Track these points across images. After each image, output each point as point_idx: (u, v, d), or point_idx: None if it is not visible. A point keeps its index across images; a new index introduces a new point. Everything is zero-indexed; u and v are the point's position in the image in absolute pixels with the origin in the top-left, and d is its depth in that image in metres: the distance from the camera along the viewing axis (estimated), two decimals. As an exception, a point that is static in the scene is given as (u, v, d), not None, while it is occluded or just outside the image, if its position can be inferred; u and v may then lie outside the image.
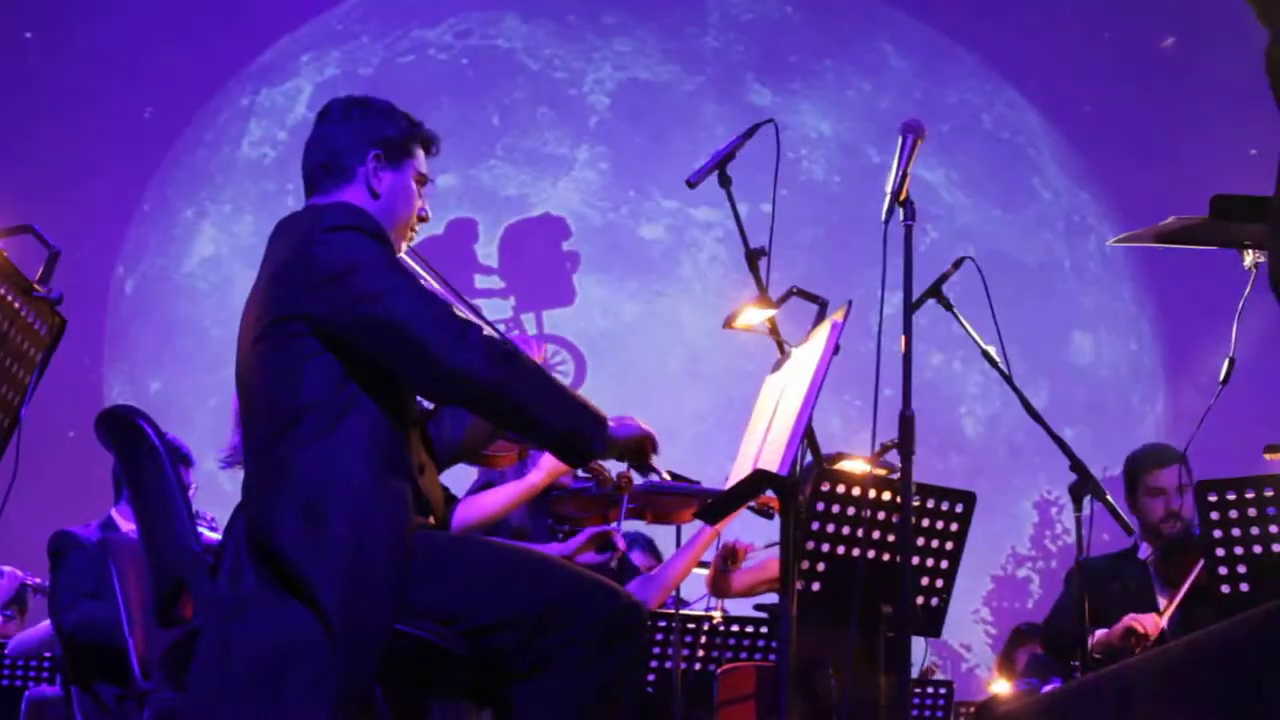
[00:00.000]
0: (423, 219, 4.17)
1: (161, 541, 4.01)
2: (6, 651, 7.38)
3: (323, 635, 3.67)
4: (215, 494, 6.84)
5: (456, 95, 12.33)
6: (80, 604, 6.40)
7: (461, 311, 3.90)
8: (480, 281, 12.00)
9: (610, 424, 3.92)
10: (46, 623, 7.07)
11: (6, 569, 7.14)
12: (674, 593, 6.01)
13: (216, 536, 5.11)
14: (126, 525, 6.62)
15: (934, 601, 5.05)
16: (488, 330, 3.90)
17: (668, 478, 4.84)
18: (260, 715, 3.69)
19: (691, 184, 4.69)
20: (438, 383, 3.83)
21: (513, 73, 12.63)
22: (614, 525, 5.37)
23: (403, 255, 4.12)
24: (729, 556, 6.04)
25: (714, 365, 11.71)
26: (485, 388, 3.79)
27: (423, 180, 4.12)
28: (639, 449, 4.04)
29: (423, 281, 4.08)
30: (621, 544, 5.63)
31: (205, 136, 12.20)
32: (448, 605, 3.79)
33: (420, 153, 4.12)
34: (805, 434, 4.06)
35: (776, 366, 4.44)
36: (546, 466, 5.26)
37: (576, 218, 12.51)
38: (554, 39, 12.68)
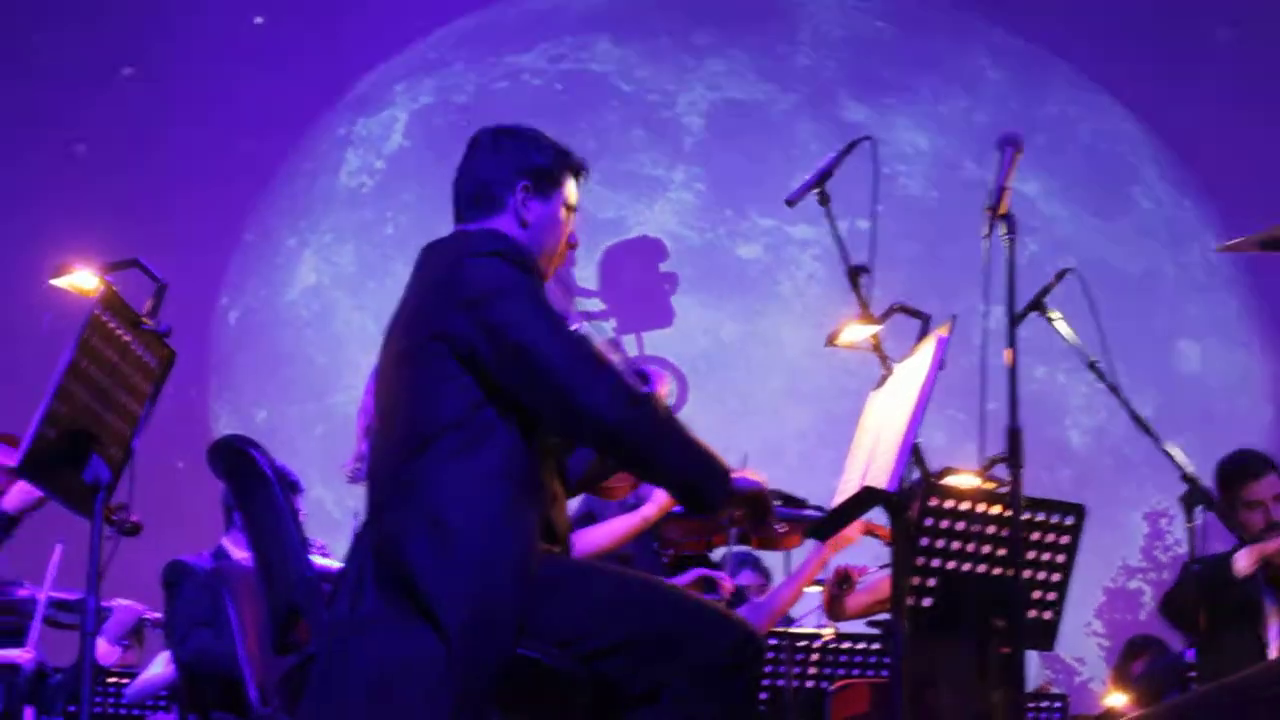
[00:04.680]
0: (571, 245, 4.18)
1: (276, 568, 4.05)
2: (125, 699, 7.45)
3: (442, 655, 3.69)
4: (323, 520, 6.89)
5: (551, 120, 12.27)
6: (194, 634, 6.46)
7: (599, 351, 3.90)
8: (581, 304, 12.03)
9: (732, 476, 3.92)
10: (164, 661, 7.13)
11: (124, 602, 7.20)
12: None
13: (326, 563, 5.15)
14: (238, 553, 6.68)
15: (1046, 615, 5.00)
16: (621, 371, 3.89)
17: (781, 529, 4.85)
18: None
19: (791, 203, 4.68)
20: (565, 419, 3.82)
21: (606, 96, 12.66)
22: (720, 551, 5.37)
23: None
24: (843, 580, 6.01)
25: (815, 383, 11.68)
26: (612, 430, 3.79)
27: (571, 208, 4.14)
28: (757, 504, 4.02)
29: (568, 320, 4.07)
30: (728, 586, 5.63)
31: (304, 166, 12.30)
32: (564, 628, 3.79)
33: (570, 181, 4.13)
34: (912, 449, 4.06)
35: (880, 383, 4.43)
36: (660, 500, 5.26)
37: (674, 239, 12.51)
38: (646, 61, 12.70)
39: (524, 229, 4.05)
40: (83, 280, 4.50)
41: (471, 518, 3.77)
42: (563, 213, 4.11)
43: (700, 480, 3.88)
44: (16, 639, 6.66)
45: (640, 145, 12.59)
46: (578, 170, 4.15)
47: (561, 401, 3.77)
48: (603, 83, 12.65)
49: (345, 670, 3.76)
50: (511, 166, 4.05)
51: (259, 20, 12.28)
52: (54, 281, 4.64)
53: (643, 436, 3.81)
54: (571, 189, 4.13)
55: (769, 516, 4.04)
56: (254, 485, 4.10)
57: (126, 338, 4.30)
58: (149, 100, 11.97)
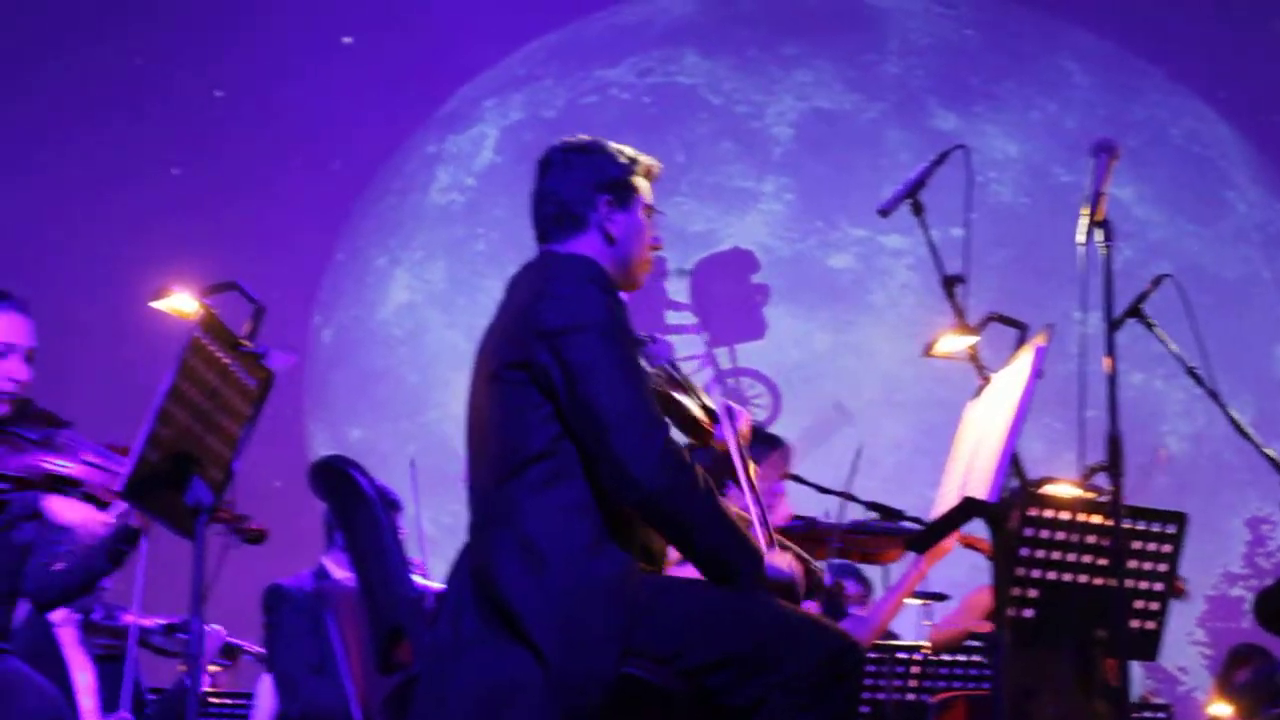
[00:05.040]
0: (655, 248, 4.17)
1: (378, 588, 4.07)
2: None
3: (540, 677, 3.69)
4: (419, 538, 6.90)
5: (640, 133, 12.37)
6: (305, 685, 6.45)
7: (655, 409, 3.90)
8: (672, 318, 12.03)
9: (765, 561, 3.92)
10: (268, 691, 7.16)
11: (214, 628, 7.27)
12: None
13: (426, 582, 5.17)
14: (339, 573, 6.70)
15: (1148, 625, 4.95)
16: (668, 438, 3.89)
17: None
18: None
19: (884, 213, 4.65)
20: (611, 478, 3.82)
21: (695, 108, 12.67)
22: (820, 565, 5.34)
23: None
24: None
25: (911, 393, 11.62)
26: (649, 499, 3.79)
27: (651, 211, 4.13)
28: (786, 594, 4.02)
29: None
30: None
31: (394, 185, 12.37)
32: (663, 645, 3.78)
33: (644, 183, 4.12)
34: (1011, 459, 4.03)
35: (977, 393, 4.40)
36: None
37: (764, 250, 12.50)
38: (734, 73, 12.70)
39: (611, 244, 4.04)
40: (182, 303, 4.54)
41: (559, 548, 3.79)
42: (644, 216, 4.10)
43: (733, 561, 3.88)
44: (118, 662, 6.72)
45: (729, 157, 12.59)
46: (650, 172, 4.15)
47: (609, 461, 3.78)
48: (691, 95, 12.65)
49: (448, 691, 3.77)
50: (588, 182, 4.05)
51: (348, 40, 12.36)
52: (153, 304, 4.69)
53: (680, 510, 3.81)
54: (647, 190, 4.13)
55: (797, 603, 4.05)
56: (355, 505, 4.14)
57: (226, 360, 4.32)
58: (241, 122, 12.08)
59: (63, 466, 4.82)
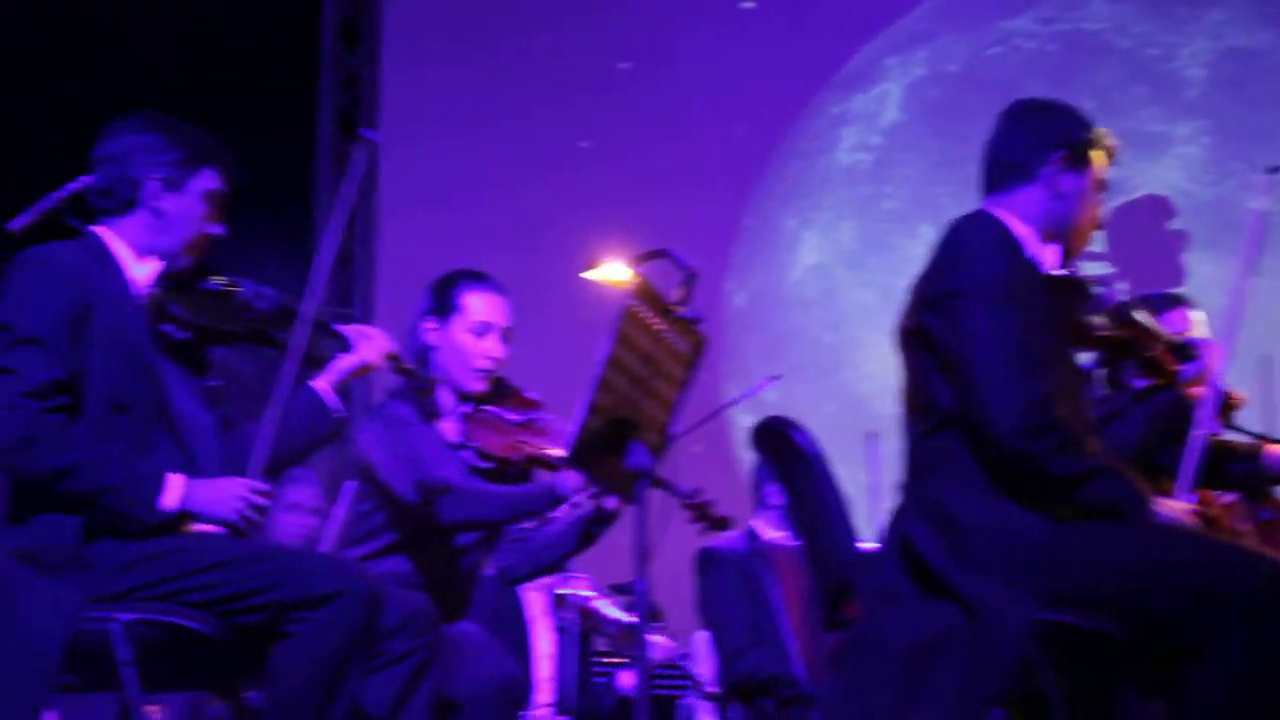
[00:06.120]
0: (1097, 226, 4.16)
1: (824, 546, 4.11)
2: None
3: (967, 629, 3.70)
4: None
5: (1046, 83, 12.11)
6: (742, 650, 6.55)
7: (1028, 373, 3.87)
8: (1090, 268, 11.80)
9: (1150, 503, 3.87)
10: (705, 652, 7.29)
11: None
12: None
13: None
14: (770, 533, 6.77)
15: None
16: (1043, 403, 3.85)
17: None
18: (903, 704, 3.75)
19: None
20: (978, 431, 3.81)
21: (1103, 54, 12.37)
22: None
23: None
24: None
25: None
26: (1011, 458, 3.77)
27: (1103, 187, 4.11)
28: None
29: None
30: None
31: (799, 147, 12.38)
32: (1096, 590, 3.76)
33: (1103, 160, 4.11)
34: None
35: None
36: None
37: (1181, 195, 12.16)
38: (1144, 15, 12.36)
39: (1057, 199, 4.03)
40: (614, 272, 4.64)
41: (968, 505, 3.81)
42: (1094, 190, 4.08)
43: (1121, 505, 3.82)
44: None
45: (1141, 102, 12.26)
46: (1110, 150, 4.13)
47: (979, 423, 3.78)
48: (1098, 41, 12.36)
49: (877, 643, 3.81)
50: (1047, 137, 4.07)
51: (748, 4, 12.42)
52: (585, 275, 4.80)
53: (1043, 464, 3.78)
54: (1103, 166, 4.10)
55: None
56: (797, 465, 4.18)
57: (659, 327, 4.40)
58: (645, 93, 12.25)
59: (543, 449, 4.98)
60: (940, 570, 3.73)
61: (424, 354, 5.33)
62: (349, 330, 4.72)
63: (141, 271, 4.54)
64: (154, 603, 4.32)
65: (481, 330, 5.34)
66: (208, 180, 4.62)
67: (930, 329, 3.87)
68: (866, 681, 3.75)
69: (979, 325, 3.80)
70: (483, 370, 5.32)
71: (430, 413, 5.25)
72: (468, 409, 5.22)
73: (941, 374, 3.87)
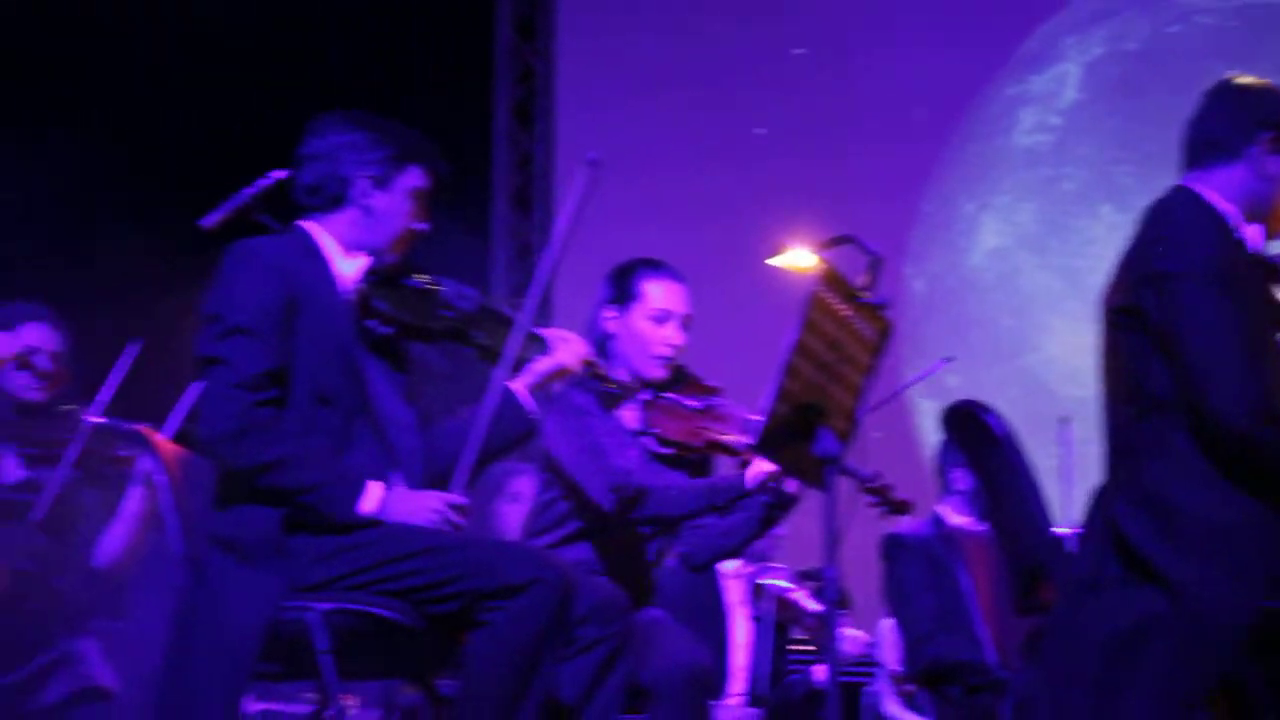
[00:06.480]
0: None
1: (1017, 530, 4.08)
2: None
3: (1176, 618, 3.65)
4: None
5: (1229, 59, 11.90)
6: (930, 638, 6.51)
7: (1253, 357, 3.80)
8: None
9: None
10: (891, 640, 7.27)
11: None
12: None
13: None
14: (955, 519, 6.73)
15: None
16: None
17: None
18: (1107, 693, 3.70)
19: None
20: (1199, 417, 3.74)
21: (1287, 28, 12.13)
22: None
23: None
24: None
25: None
26: (1235, 446, 3.70)
27: None
28: None
29: None
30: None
31: (977, 130, 12.27)
32: None
33: None
34: None
35: None
36: None
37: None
38: (1329, -11, 12.11)
39: (1263, 180, 3.97)
40: (799, 259, 4.63)
41: (1181, 492, 3.75)
42: None
43: None
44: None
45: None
46: None
47: (1199, 410, 3.71)
48: (1280, 16, 12.13)
49: (1082, 630, 3.77)
50: (1254, 117, 4.00)
51: (923, -12, 12.34)
52: (770, 262, 4.80)
53: (1266, 461, 3.70)
54: None
55: None
56: (989, 448, 4.15)
57: (846, 312, 4.39)
58: (820, 78, 12.20)
59: (723, 435, 5.01)
60: (1150, 555, 3.67)
61: (604, 342, 5.37)
62: (549, 333, 4.78)
63: (348, 267, 4.62)
64: (351, 592, 4.39)
65: (661, 317, 5.39)
66: (414, 178, 4.71)
67: (1145, 309, 3.81)
68: (1068, 671, 3.71)
69: (1201, 311, 3.74)
70: (662, 357, 5.37)
71: (610, 400, 5.30)
72: (647, 396, 5.26)
73: (1156, 356, 3.81)
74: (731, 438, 5.16)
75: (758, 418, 4.94)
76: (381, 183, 4.65)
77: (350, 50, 11.66)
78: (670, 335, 5.40)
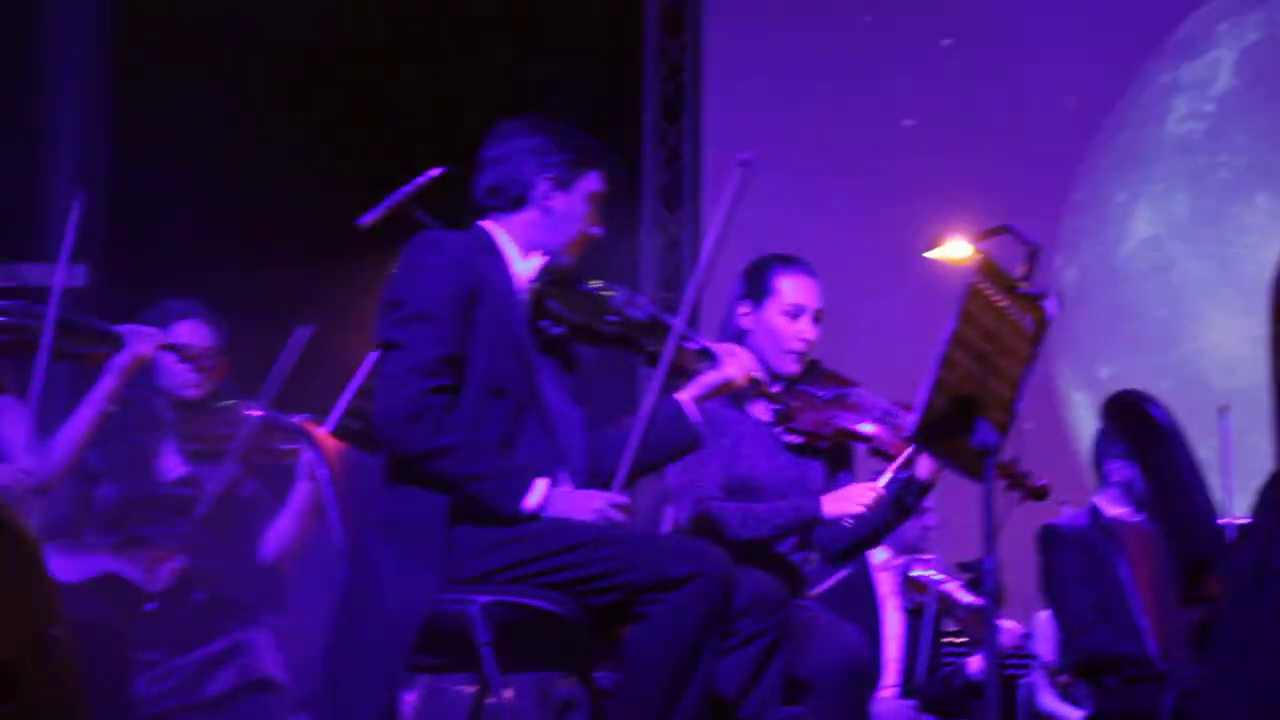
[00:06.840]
0: None
1: (1182, 521, 4.04)
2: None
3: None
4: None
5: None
6: (1088, 631, 6.47)
7: None
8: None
9: None
10: (1047, 631, 7.22)
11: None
12: None
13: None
14: (1112, 510, 6.68)
15: None
16: None
17: None
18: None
19: None
20: None
21: None
22: None
23: None
24: None
25: None
26: None
27: None
28: None
29: None
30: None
31: (1129, 118, 12.13)
32: None
33: None
34: None
35: None
36: None
37: None
38: None
39: None
40: (955, 250, 4.62)
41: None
42: None
43: None
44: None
45: None
46: None
47: None
48: None
49: (1253, 621, 3.72)
50: None
51: (1072, -25, 12.22)
52: (928, 255, 4.80)
53: None
54: None
55: None
56: (1152, 438, 4.12)
57: (1003, 303, 4.39)
58: (968, 68, 12.12)
59: (853, 423, 5.05)
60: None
61: (739, 338, 5.41)
62: (718, 347, 4.82)
63: (525, 267, 4.71)
64: (511, 584, 4.43)
65: (795, 313, 5.45)
66: (593, 182, 4.81)
67: None
68: (1234, 663, 3.67)
69: None
70: (796, 352, 5.44)
71: (741, 397, 5.35)
72: (777, 387, 5.30)
73: None
74: (862, 428, 5.21)
75: (895, 407, 4.97)
76: (563, 185, 4.75)
77: (501, 50, 11.75)
78: (803, 330, 5.45)
